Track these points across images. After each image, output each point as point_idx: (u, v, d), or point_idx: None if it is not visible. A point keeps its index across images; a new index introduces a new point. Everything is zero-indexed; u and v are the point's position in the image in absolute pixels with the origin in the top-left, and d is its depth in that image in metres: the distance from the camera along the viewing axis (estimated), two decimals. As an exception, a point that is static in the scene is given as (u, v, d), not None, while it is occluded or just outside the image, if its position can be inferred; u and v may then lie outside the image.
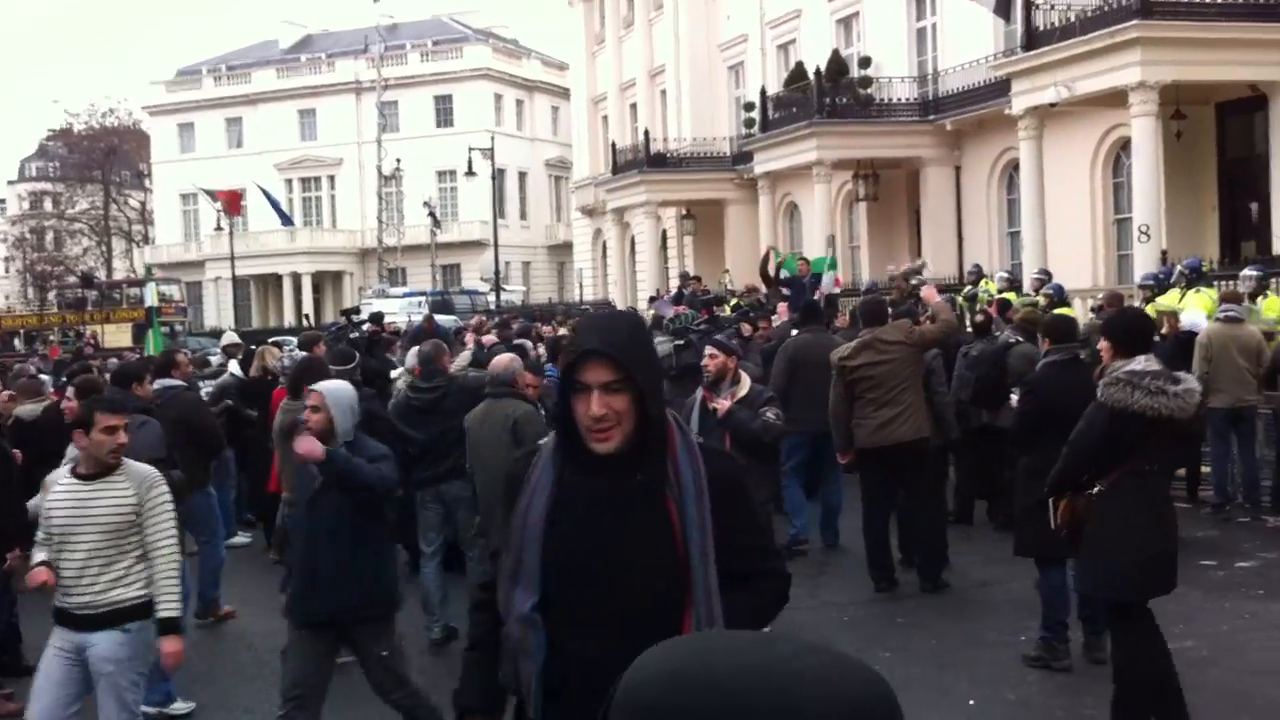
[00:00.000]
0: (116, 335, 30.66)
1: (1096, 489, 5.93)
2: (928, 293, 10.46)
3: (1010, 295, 16.49)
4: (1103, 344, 6.46)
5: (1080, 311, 17.87)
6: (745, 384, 7.72)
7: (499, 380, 8.08)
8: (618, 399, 2.56)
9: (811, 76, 29.62)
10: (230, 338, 18.57)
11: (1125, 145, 22.92)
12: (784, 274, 19.98)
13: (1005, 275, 19.13)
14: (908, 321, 9.93)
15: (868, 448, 9.11)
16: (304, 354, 11.31)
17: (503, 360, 8.49)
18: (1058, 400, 7.23)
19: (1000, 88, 24.79)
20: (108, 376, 9.90)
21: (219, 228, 51.63)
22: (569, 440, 2.64)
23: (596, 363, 2.56)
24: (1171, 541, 5.99)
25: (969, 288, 19.41)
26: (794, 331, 11.58)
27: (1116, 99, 20.99)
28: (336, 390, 5.91)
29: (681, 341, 9.49)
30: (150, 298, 17.67)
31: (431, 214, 48.47)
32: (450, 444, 8.87)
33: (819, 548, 10.72)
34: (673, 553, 2.60)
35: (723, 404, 7.53)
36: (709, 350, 7.92)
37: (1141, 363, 5.84)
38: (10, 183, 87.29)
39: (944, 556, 9.61)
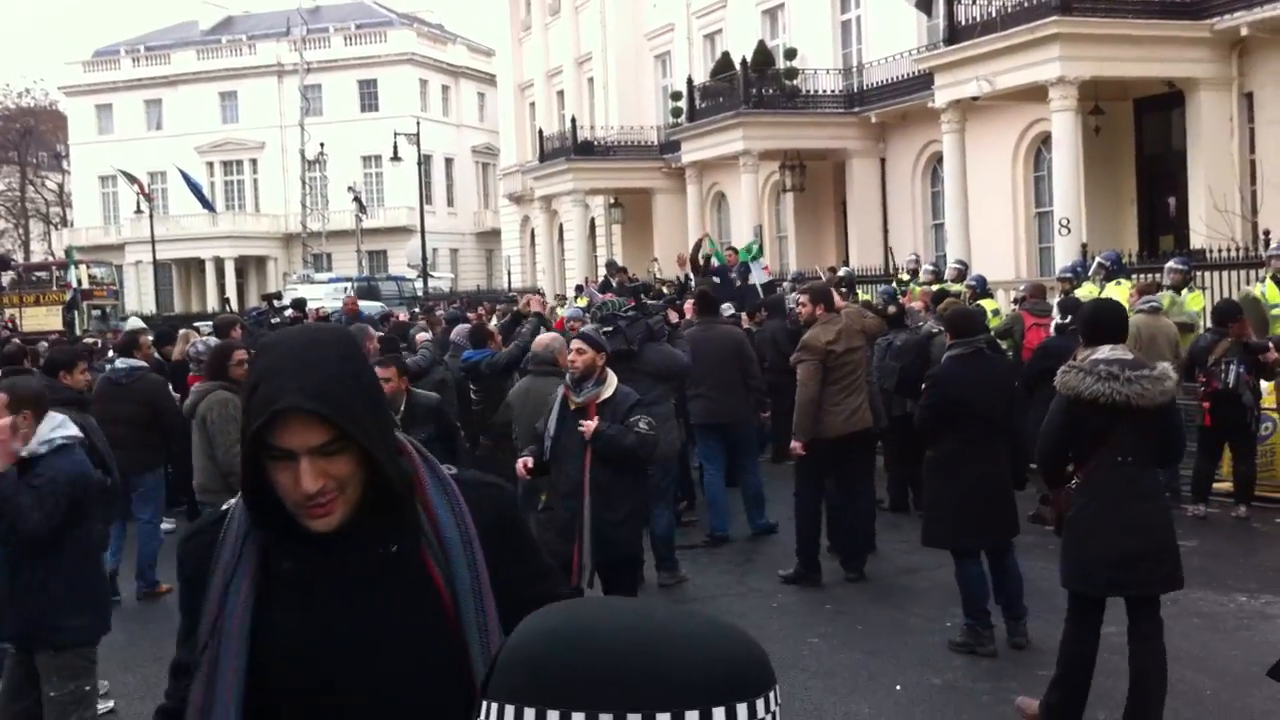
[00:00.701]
0: (44, 318, 30.08)
1: (1074, 482, 5.93)
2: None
3: (949, 286, 16.70)
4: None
5: (1003, 302, 18.19)
6: (610, 385, 7.11)
7: (540, 359, 8.73)
8: (337, 463, 1.87)
9: (738, 66, 29.76)
10: (134, 323, 18.34)
11: (1046, 139, 23.32)
12: (714, 263, 20.13)
13: (931, 268, 19.39)
14: (858, 309, 10.15)
15: (834, 435, 9.04)
16: (218, 339, 11.41)
17: (544, 339, 9.13)
18: (961, 393, 7.42)
19: (924, 81, 25.09)
20: (42, 362, 9.92)
21: (139, 211, 50.79)
22: (271, 516, 1.94)
23: (300, 422, 1.84)
24: (1148, 539, 5.81)
25: (905, 277, 19.63)
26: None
27: (1037, 94, 21.34)
28: None
29: (610, 329, 9.49)
30: (74, 279, 17.48)
31: (357, 199, 48.10)
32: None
33: (746, 535, 10.85)
34: (443, 632, 1.97)
35: (588, 426, 6.89)
36: (575, 344, 7.23)
37: (1106, 351, 5.79)
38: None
39: (872, 544, 9.81)
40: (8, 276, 42.09)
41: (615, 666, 0.99)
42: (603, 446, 6.83)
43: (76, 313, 16.51)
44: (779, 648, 7.73)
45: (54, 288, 36.72)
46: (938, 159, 26.76)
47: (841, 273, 21.78)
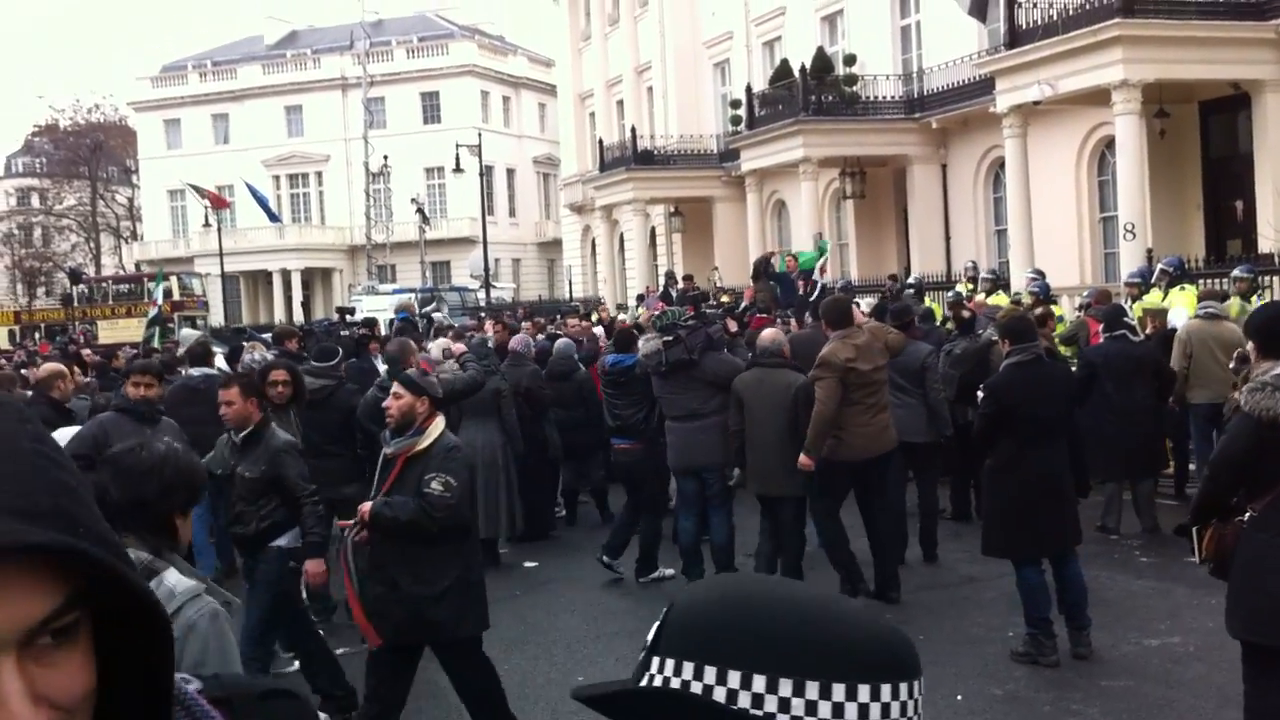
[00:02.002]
0: (136, 330, 30.65)
1: (1248, 514, 5.11)
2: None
3: (998, 297, 16.59)
4: (1250, 344, 5.65)
5: (1067, 309, 18.03)
6: (430, 435, 6.10)
7: (769, 352, 9.09)
8: (62, 666, 0.90)
9: (797, 74, 29.72)
10: (188, 335, 18.70)
11: (1110, 143, 23.06)
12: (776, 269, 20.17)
13: (989, 275, 19.24)
14: (880, 325, 9.93)
15: (857, 459, 8.79)
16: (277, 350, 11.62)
17: (769, 334, 9.40)
18: (1018, 400, 7.37)
19: (984, 86, 24.92)
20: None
21: (207, 224, 51.60)
22: None
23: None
24: None
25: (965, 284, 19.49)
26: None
27: (1100, 97, 21.12)
28: None
29: (670, 338, 9.52)
30: (159, 294, 18.01)
31: (420, 211, 48.50)
32: None
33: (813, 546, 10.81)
34: None
35: (363, 510, 6.09)
36: (394, 389, 6.25)
37: None
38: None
39: (933, 554, 9.79)
40: (80, 290, 43.03)
41: (778, 633, 1.05)
42: (381, 530, 6.03)
43: (158, 327, 17.00)
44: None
45: (144, 299, 37.34)
46: (1000, 164, 26.53)
47: (910, 280, 21.57)
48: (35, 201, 76.80)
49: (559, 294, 51.67)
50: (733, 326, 11.30)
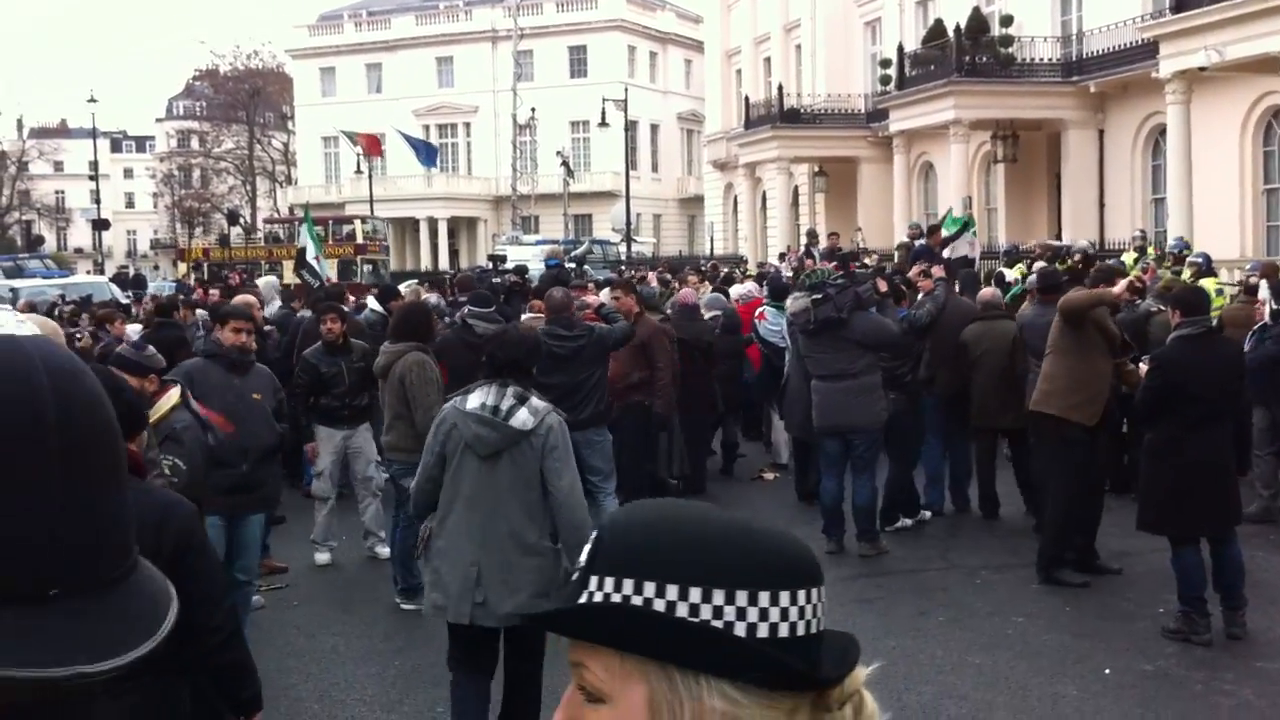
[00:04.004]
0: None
1: None
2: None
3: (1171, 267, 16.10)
4: None
5: (1227, 282, 17.48)
6: (163, 406, 5.57)
7: (991, 305, 10.76)
8: None
9: (951, 34, 29.16)
10: (267, 282, 19.07)
11: (1277, 113, 22.26)
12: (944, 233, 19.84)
13: (1174, 248, 18.46)
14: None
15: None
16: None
17: (989, 292, 11.17)
18: (1185, 376, 7.16)
19: (1147, 50, 24.20)
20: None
21: (359, 171, 52.66)
22: None
23: None
24: None
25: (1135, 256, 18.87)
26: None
27: (1268, 65, 20.40)
28: None
29: (820, 295, 9.47)
30: (305, 237, 18.40)
31: (565, 164, 48.86)
32: (590, 391, 9.19)
33: (951, 511, 10.79)
34: None
35: None
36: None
37: None
38: (159, 120, 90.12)
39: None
40: (235, 231, 44.33)
41: (709, 548, 1.15)
42: None
43: (306, 270, 17.37)
44: (983, 624, 7.72)
45: (329, 241, 38.19)
46: (1160, 131, 25.78)
47: (1082, 243, 20.82)
48: (195, 144, 79.29)
49: (698, 250, 51.64)
50: (883, 286, 11.15)
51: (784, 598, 1.15)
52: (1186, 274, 14.61)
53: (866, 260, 22.78)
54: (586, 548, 1.21)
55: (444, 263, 58.09)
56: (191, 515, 3.56)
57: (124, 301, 25.07)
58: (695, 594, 1.13)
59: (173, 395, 5.70)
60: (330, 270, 26.82)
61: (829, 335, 9.39)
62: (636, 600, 1.14)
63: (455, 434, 5.32)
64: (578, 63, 63.54)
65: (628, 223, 42.50)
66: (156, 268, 61.22)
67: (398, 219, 62.04)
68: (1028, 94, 28.88)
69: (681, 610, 1.13)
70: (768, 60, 44.26)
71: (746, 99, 40.28)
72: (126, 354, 5.74)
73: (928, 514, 10.62)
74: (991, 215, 32.07)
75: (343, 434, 9.49)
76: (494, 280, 16.50)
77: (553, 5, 63.91)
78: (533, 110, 51.99)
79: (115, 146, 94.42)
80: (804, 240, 28.59)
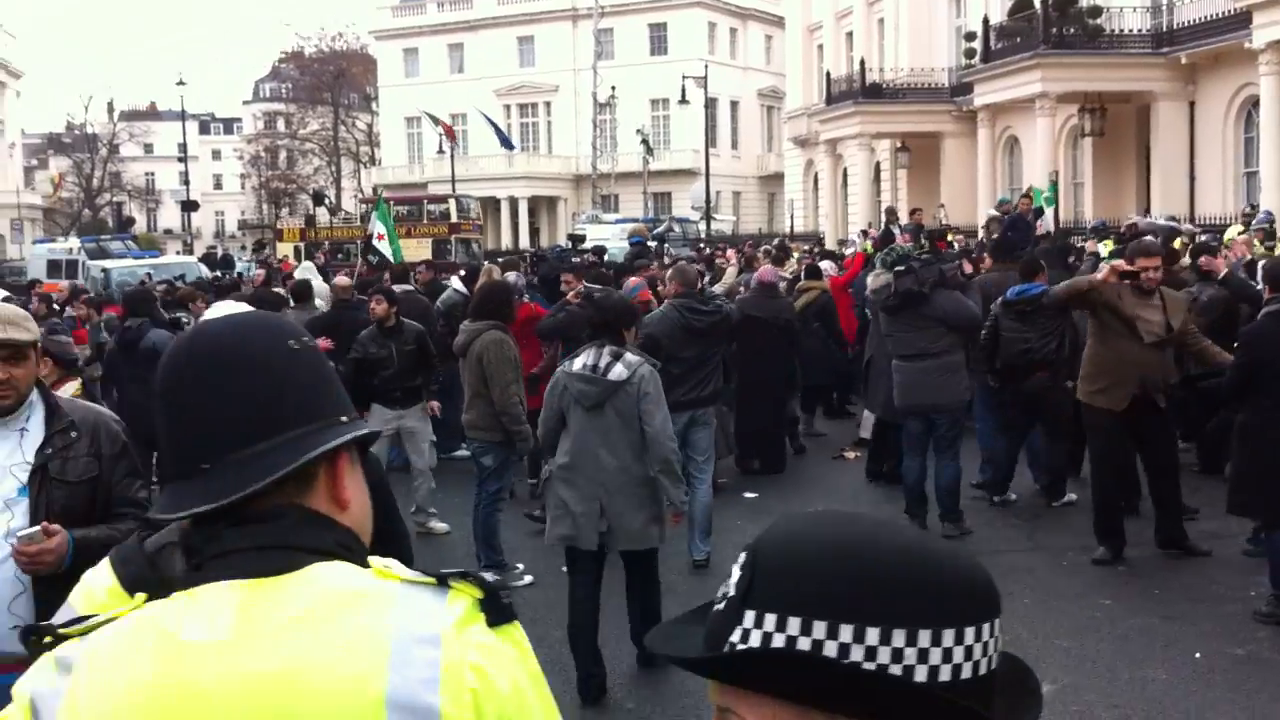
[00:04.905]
0: (414, 250, 31.61)
1: None
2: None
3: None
4: None
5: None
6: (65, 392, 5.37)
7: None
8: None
9: (1038, 5, 28.69)
10: (305, 270, 19.22)
11: (1378, 82, 21.63)
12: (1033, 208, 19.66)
13: (1263, 224, 18.00)
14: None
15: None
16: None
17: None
18: (1275, 354, 6.96)
19: (1240, 20, 23.62)
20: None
21: (440, 151, 53.05)
22: None
23: None
24: None
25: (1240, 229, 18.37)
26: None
27: (1371, 33, 19.82)
28: None
29: (902, 268, 9.37)
30: (376, 224, 18.37)
31: (644, 142, 48.85)
32: (714, 368, 9.25)
33: (1035, 492, 10.64)
34: None
35: None
36: None
37: None
38: (245, 102, 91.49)
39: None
40: (320, 211, 44.81)
41: (887, 582, 1.04)
42: None
43: (372, 254, 17.45)
44: (1070, 607, 7.63)
45: (423, 221, 38.51)
46: (1253, 103, 25.16)
47: (1181, 225, 20.38)
48: (281, 126, 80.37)
49: (779, 227, 51.40)
50: (969, 269, 11.01)
51: (969, 634, 1.04)
52: (1279, 249, 14.28)
53: (952, 239, 22.52)
54: (737, 572, 1.10)
55: (524, 241, 58.38)
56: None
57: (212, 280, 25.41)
58: (873, 635, 1.02)
59: (70, 387, 5.85)
60: (412, 252, 27.08)
61: (911, 313, 9.29)
62: (804, 643, 1.03)
63: (566, 393, 6.33)
64: (657, 40, 63.41)
65: (707, 201, 42.40)
66: (244, 248, 62.16)
67: (479, 198, 62.46)
68: (1116, 66, 28.32)
69: (856, 654, 1.02)
70: (849, 35, 43.85)
71: (828, 74, 39.94)
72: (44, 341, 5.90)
73: (1013, 495, 10.47)
74: (1078, 190, 31.53)
75: (395, 414, 9.56)
76: (573, 260, 16.55)
77: (633, -18, 63.86)
78: (613, 89, 52.00)
79: (203, 129, 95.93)
80: (884, 218, 28.36)
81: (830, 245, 31.23)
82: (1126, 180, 30.42)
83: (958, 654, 1.03)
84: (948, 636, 1.03)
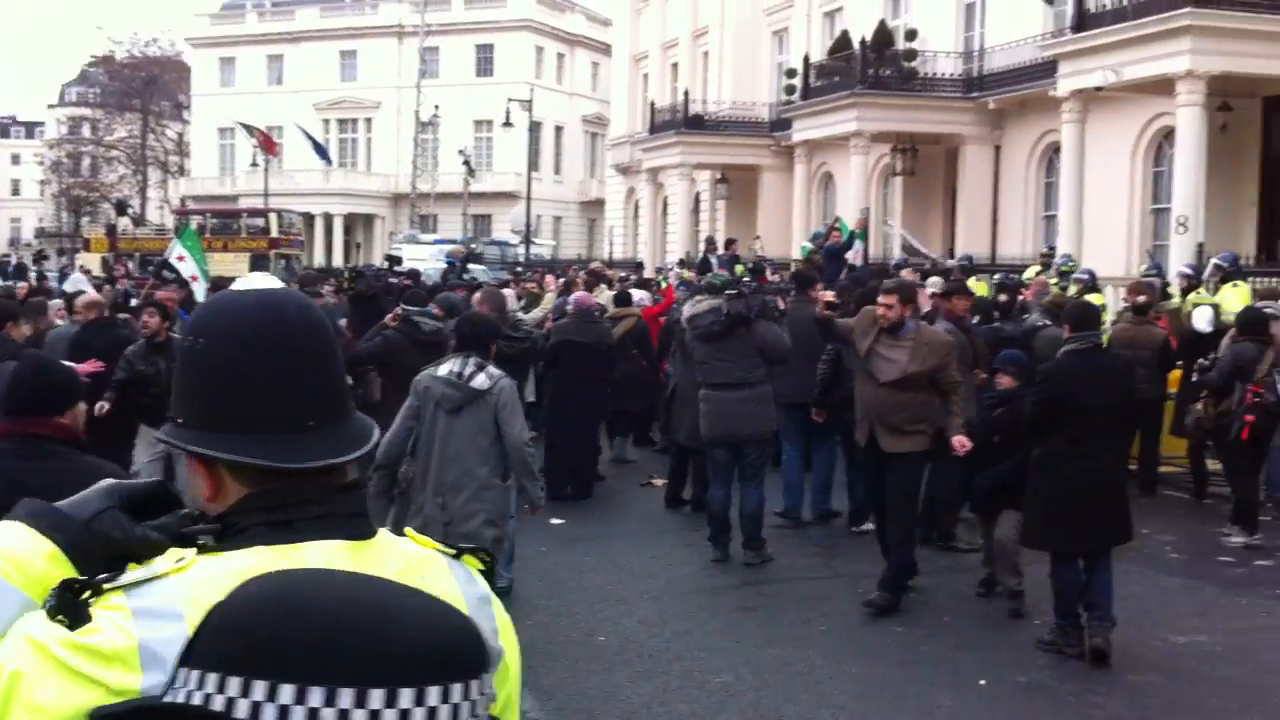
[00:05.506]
0: (231, 265, 30.43)
1: None
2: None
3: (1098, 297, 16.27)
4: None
5: (1111, 299, 17.74)
6: None
7: None
8: None
9: (856, 46, 29.42)
10: (75, 283, 18.18)
11: (1169, 134, 22.74)
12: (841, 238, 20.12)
13: (1083, 277, 18.59)
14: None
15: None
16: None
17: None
18: (1072, 390, 7.13)
19: (1046, 68, 24.57)
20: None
21: (255, 164, 51.75)
22: None
23: None
24: None
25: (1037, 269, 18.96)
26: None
27: (1163, 87, 20.80)
28: None
29: (734, 292, 9.40)
30: (175, 250, 17.39)
31: (466, 163, 48.48)
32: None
33: (842, 520, 10.74)
34: None
35: None
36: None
37: None
38: (50, 106, 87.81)
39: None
40: (121, 222, 43.13)
41: (337, 638, 1.03)
42: None
43: (166, 269, 16.61)
44: (863, 634, 7.68)
45: (242, 235, 37.23)
46: (1055, 149, 26.21)
47: (953, 261, 21.20)
48: (86, 131, 77.29)
49: (599, 253, 51.59)
50: (782, 304, 11.12)
51: (433, 695, 1.04)
52: (1072, 289, 14.80)
53: (775, 276, 22.81)
54: (185, 638, 1.07)
55: (339, 260, 57.29)
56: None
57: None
58: (316, 696, 1.00)
59: None
60: (229, 267, 26.25)
61: (733, 341, 9.28)
62: (243, 704, 1.00)
63: (429, 394, 6.71)
64: (484, 61, 63.18)
65: (527, 224, 42.29)
66: (47, 257, 59.30)
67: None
68: (929, 108, 29.21)
69: (298, 716, 0.99)
70: (675, 66, 44.33)
71: (652, 104, 40.27)
72: None
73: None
74: (889, 227, 32.39)
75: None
76: (390, 281, 16.25)
77: (460, 2, 63.56)
78: (436, 108, 51.53)
79: (3, 132, 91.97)
80: (703, 247, 28.63)
81: (649, 273, 31.39)
82: (934, 219, 31.38)
83: (418, 715, 1.02)
84: (375, 697, 1.01)
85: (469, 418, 6.66)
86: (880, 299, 8.32)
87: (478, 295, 11.00)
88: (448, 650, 1.12)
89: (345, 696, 1.02)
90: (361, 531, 1.38)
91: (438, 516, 6.60)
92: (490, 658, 1.29)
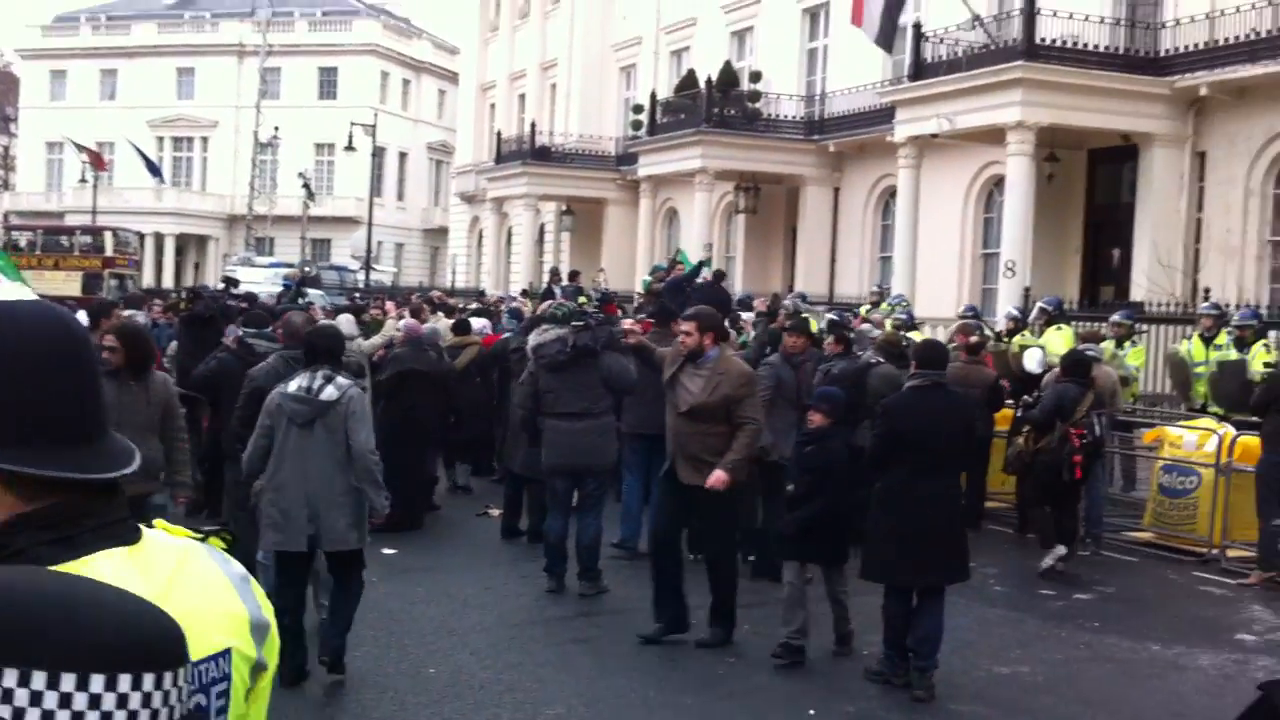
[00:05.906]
0: (61, 284, 29.19)
1: None
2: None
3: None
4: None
5: (939, 339, 18.17)
6: None
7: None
8: None
9: (702, 85, 29.82)
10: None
11: (999, 182, 23.49)
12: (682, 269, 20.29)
13: (903, 316, 18.99)
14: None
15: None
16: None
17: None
18: (913, 425, 7.24)
19: (884, 114, 25.22)
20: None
21: (83, 180, 50.01)
22: None
23: None
24: None
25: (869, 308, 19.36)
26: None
27: (995, 136, 21.51)
28: None
29: (580, 323, 9.34)
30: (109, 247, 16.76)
31: (306, 185, 47.62)
32: None
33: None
34: None
35: None
36: None
37: None
38: None
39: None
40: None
41: (26, 625, 1.02)
42: None
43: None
44: (696, 664, 7.65)
45: (74, 253, 35.72)
46: (891, 192, 26.90)
47: (787, 300, 21.55)
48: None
49: (441, 281, 51.11)
50: (631, 339, 11.12)
51: (123, 681, 1.02)
52: (888, 325, 15.10)
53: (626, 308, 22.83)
54: None
55: (169, 281, 55.61)
56: None
57: None
58: (10, 677, 0.99)
59: None
60: (59, 286, 25.26)
61: (580, 371, 9.21)
62: None
63: (280, 411, 6.86)
64: (327, 84, 62.28)
65: (368, 250, 41.69)
66: None
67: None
68: (771, 149, 29.72)
69: None
70: (522, 97, 44.33)
71: (498, 134, 40.18)
72: None
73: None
74: (730, 264, 32.75)
75: None
76: (227, 303, 15.79)
77: (305, 24, 62.57)
78: (276, 129, 50.55)
79: None
80: (547, 277, 28.57)
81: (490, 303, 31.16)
82: (775, 257, 31.91)
83: (108, 701, 1.02)
84: (97, 681, 1.02)
85: (321, 430, 6.85)
86: (681, 326, 8.23)
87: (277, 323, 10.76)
88: (143, 640, 1.10)
89: (39, 679, 1.02)
90: (133, 535, 1.40)
91: (301, 526, 6.82)
92: (263, 629, 1.44)
